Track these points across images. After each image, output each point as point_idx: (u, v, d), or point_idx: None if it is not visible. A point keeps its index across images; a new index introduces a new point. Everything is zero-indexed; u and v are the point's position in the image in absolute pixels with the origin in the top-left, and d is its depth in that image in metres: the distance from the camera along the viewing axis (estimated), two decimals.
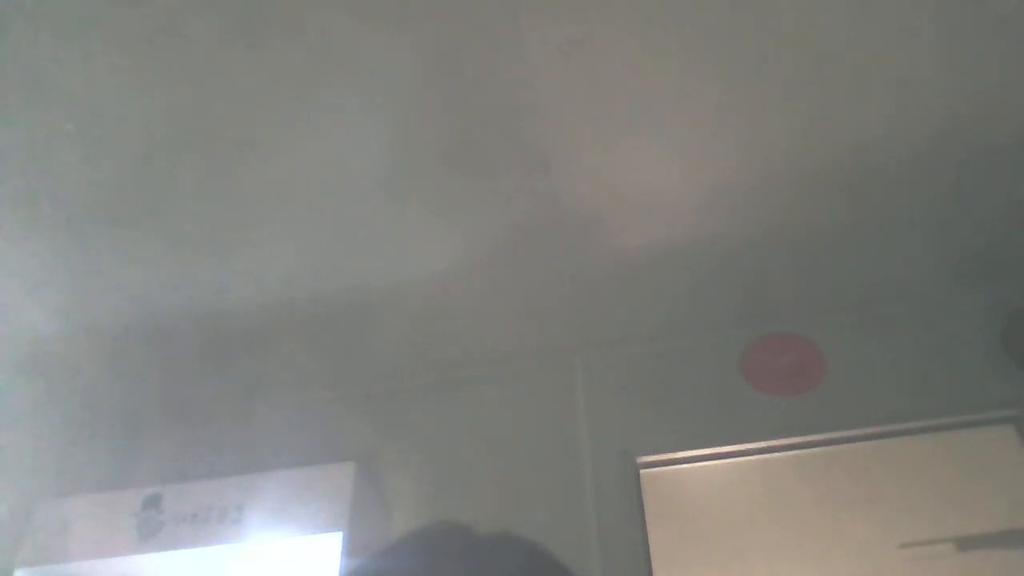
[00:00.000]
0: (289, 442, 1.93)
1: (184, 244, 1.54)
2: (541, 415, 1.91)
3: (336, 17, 1.14)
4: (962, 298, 1.84)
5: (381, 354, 1.95)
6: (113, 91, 1.22)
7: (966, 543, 1.56)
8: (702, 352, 1.92)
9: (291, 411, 2.01)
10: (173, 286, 1.64)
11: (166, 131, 1.30)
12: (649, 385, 1.91)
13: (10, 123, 1.25)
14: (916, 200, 1.58)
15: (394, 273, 1.67)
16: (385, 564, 0.58)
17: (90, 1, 1.10)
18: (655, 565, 1.65)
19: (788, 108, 1.35)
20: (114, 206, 1.44)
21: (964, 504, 1.60)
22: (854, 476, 1.69)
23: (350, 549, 1.57)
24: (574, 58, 1.23)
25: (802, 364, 1.85)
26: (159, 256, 1.56)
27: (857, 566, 1.58)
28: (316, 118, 1.30)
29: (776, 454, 1.76)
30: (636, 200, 1.53)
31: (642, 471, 1.79)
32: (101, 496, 1.74)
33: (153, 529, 1.65)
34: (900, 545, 1.58)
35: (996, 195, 1.58)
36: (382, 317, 1.81)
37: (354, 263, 1.64)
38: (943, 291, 1.84)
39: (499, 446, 1.88)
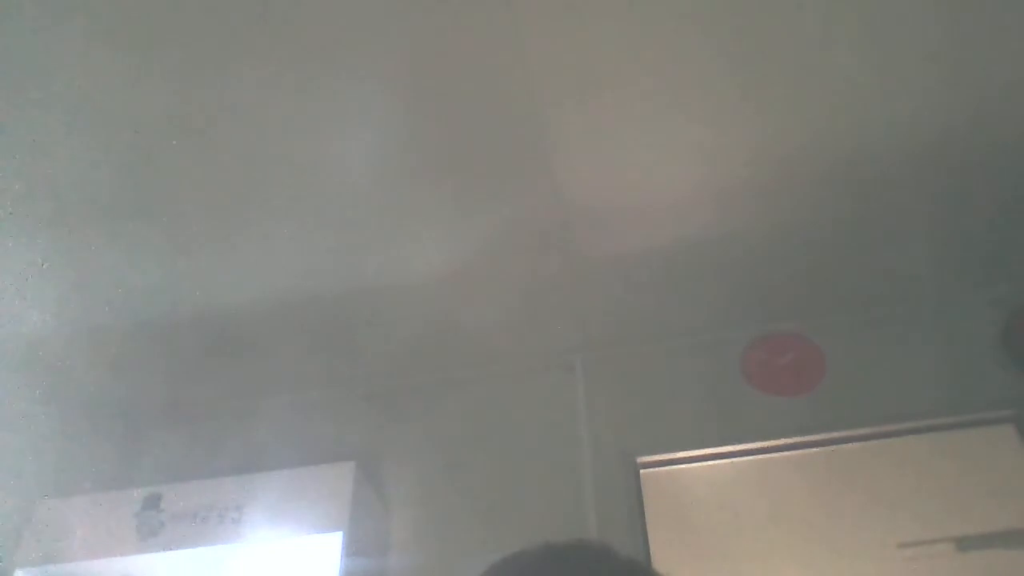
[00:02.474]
0: (289, 442, 1.93)
1: (184, 244, 1.54)
2: (541, 415, 1.91)
3: (336, 17, 1.14)
4: (962, 298, 1.84)
5: (381, 354, 1.95)
6: (113, 90, 1.22)
7: (966, 543, 1.56)
8: (702, 352, 1.92)
9: (291, 411, 2.01)
10: (173, 286, 1.64)
11: (166, 130, 1.30)
12: (649, 385, 1.91)
13: (10, 122, 1.25)
14: (917, 200, 1.57)
15: (394, 273, 1.67)
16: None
17: (90, 0, 1.09)
18: (655, 565, 1.65)
19: (790, 109, 1.35)
20: (114, 206, 1.44)
21: (964, 504, 1.60)
22: (854, 476, 1.69)
23: (350, 549, 1.57)
24: (575, 59, 1.23)
25: (802, 364, 1.85)
26: (159, 256, 1.56)
27: (857, 566, 1.58)
28: (316, 119, 1.30)
29: (776, 454, 1.75)
30: (636, 200, 1.53)
31: (642, 471, 1.79)
32: (101, 496, 1.74)
33: (153, 529, 1.65)
34: (900, 545, 1.58)
35: (996, 195, 1.58)
36: (382, 317, 1.81)
37: (354, 263, 1.64)
38: (943, 291, 1.84)
39: (499, 446, 1.88)
